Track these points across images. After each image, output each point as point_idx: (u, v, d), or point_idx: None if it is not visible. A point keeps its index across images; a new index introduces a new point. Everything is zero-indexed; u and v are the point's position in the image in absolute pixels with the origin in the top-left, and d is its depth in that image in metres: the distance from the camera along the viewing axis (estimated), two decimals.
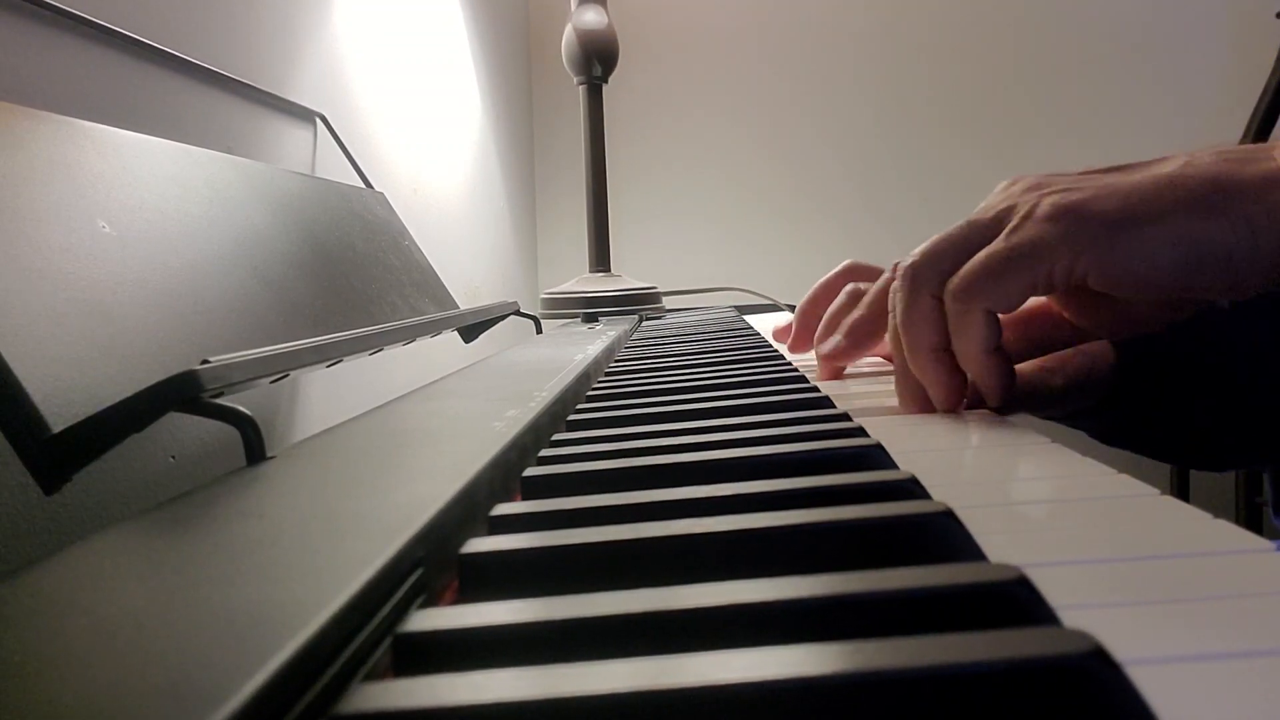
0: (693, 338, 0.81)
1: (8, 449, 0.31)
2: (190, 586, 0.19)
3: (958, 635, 0.16)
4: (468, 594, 0.22)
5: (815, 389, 0.44)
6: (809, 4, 1.82)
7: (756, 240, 1.83)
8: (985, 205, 0.43)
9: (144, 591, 0.19)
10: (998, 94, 1.79)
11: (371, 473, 0.29)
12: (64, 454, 0.31)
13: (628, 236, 1.74)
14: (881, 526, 0.22)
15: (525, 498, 0.30)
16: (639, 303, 1.18)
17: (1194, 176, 0.38)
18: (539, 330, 0.89)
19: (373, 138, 1.00)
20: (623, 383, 0.53)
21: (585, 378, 0.52)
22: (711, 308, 1.33)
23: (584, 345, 0.67)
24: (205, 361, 0.33)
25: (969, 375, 0.41)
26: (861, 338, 0.51)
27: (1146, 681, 0.15)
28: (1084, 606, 0.18)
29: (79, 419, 0.31)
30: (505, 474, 0.30)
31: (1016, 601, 0.18)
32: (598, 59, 1.24)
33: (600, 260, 1.27)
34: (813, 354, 0.58)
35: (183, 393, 0.31)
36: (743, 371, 0.53)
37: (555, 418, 0.41)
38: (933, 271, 0.41)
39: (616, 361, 0.67)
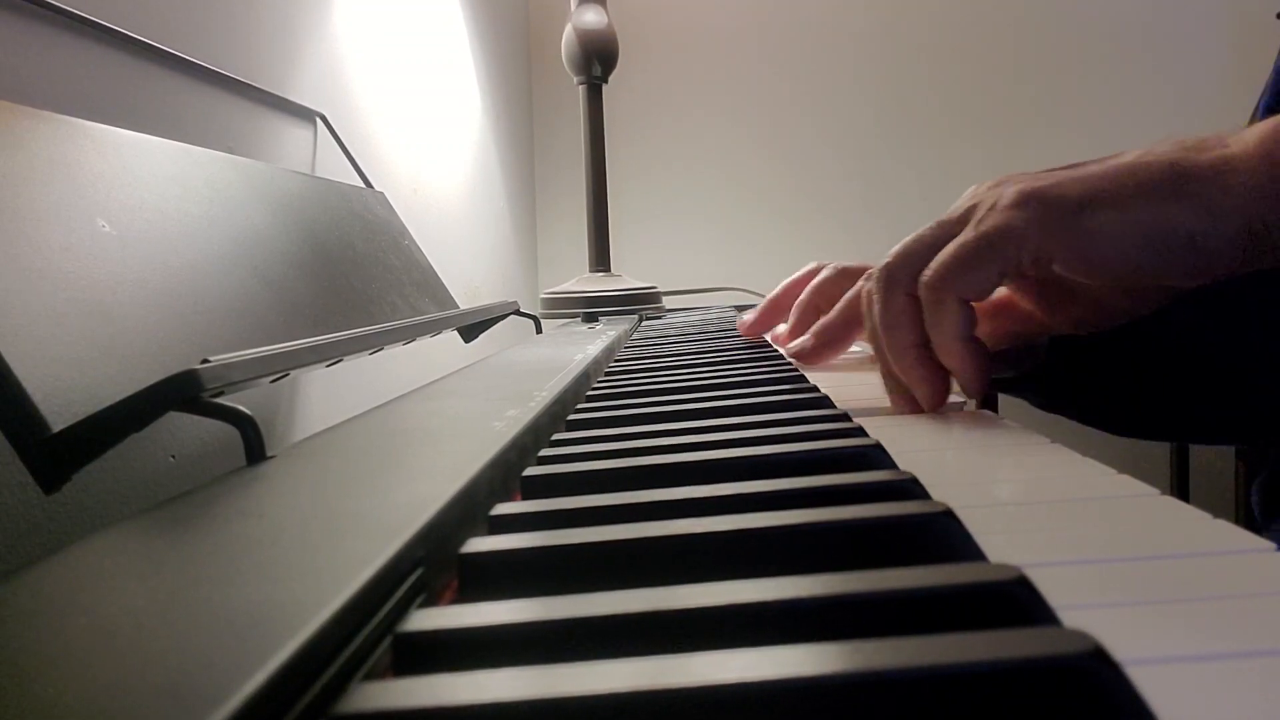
0: (692, 337, 0.81)
1: (8, 448, 0.31)
2: (190, 586, 0.19)
3: (957, 635, 0.16)
4: (467, 594, 0.22)
5: (815, 389, 0.44)
6: (809, 4, 1.82)
7: (756, 240, 1.82)
8: (954, 207, 0.44)
9: (144, 591, 0.19)
10: (997, 94, 1.79)
11: (371, 472, 0.29)
12: (64, 453, 0.31)
13: (628, 236, 1.74)
14: (881, 526, 0.22)
15: (525, 497, 0.30)
16: (639, 302, 1.18)
17: (1152, 164, 0.39)
18: (539, 330, 0.89)
19: (373, 138, 1.00)
20: (622, 382, 0.53)
21: (585, 378, 0.52)
22: (711, 307, 1.33)
23: (584, 345, 0.67)
24: (205, 361, 0.33)
25: (947, 366, 0.42)
26: (830, 340, 0.51)
27: (1146, 681, 0.15)
28: (1084, 606, 0.18)
29: (79, 418, 0.31)
30: (505, 474, 0.30)
31: (1016, 601, 0.18)
32: (598, 59, 1.24)
33: (600, 260, 1.27)
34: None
35: (183, 392, 0.31)
36: (742, 371, 0.53)
37: (555, 418, 0.41)
38: (906, 271, 0.42)
39: (616, 361, 0.67)
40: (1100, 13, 1.77)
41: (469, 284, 1.34)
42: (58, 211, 0.38)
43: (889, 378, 0.44)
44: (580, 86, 1.26)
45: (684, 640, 0.17)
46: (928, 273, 0.40)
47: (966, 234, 0.40)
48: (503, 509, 0.27)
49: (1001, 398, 0.63)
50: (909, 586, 0.18)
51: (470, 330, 0.78)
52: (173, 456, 0.51)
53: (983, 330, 0.46)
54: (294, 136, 0.80)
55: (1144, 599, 0.19)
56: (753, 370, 0.53)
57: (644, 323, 1.11)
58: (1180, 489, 1.55)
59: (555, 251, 1.85)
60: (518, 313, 0.85)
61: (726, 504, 0.25)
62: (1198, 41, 1.75)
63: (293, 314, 0.51)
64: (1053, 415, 0.61)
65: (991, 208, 0.40)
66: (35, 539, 0.44)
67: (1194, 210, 0.37)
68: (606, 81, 1.27)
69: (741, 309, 1.24)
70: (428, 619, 0.19)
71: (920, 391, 0.43)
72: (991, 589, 0.18)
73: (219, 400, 0.33)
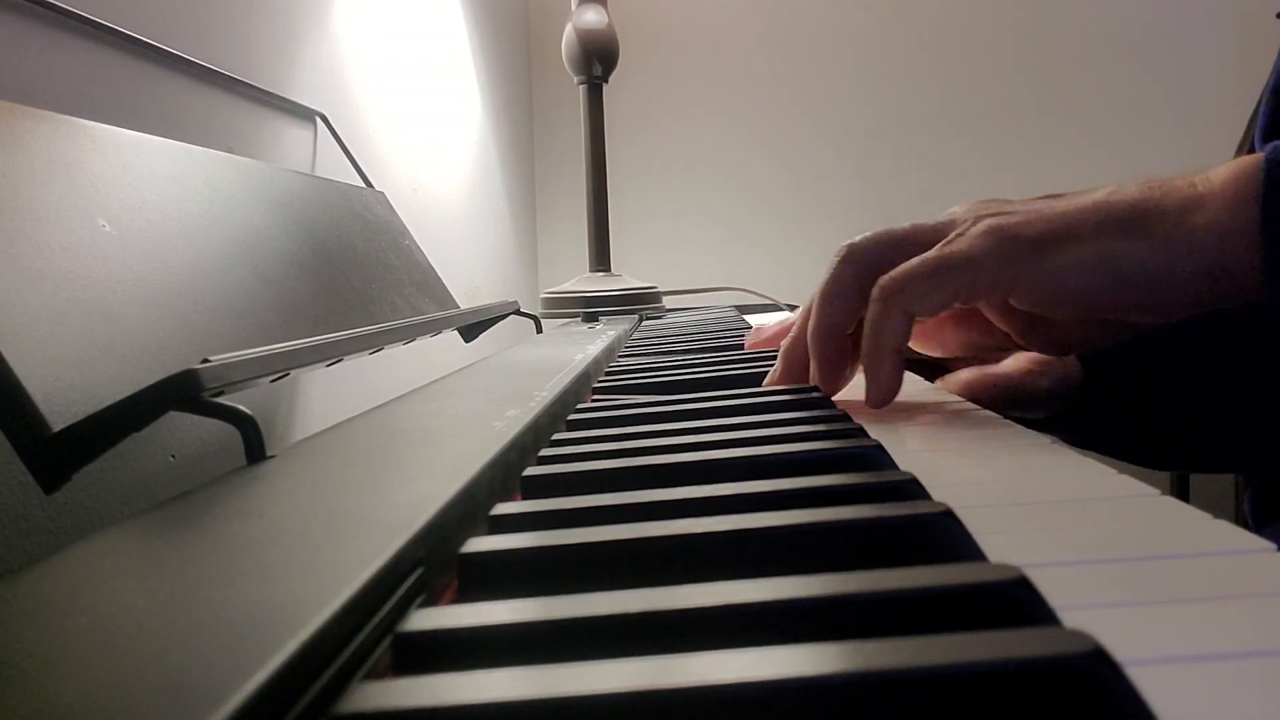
0: (692, 337, 0.81)
1: (8, 448, 0.31)
2: (190, 586, 0.19)
3: (958, 635, 0.16)
4: (467, 593, 0.22)
5: (815, 389, 0.44)
6: (809, 4, 1.82)
7: (756, 240, 1.82)
8: (938, 216, 0.44)
9: (144, 591, 0.19)
10: (998, 94, 1.79)
11: (371, 472, 0.29)
12: (64, 453, 0.31)
13: (628, 236, 1.74)
14: (881, 527, 0.22)
15: (525, 497, 0.30)
16: (639, 302, 1.18)
17: (1117, 202, 0.39)
18: (539, 330, 0.89)
19: (373, 137, 0.99)
20: (623, 382, 0.53)
21: (585, 377, 0.52)
22: (711, 307, 1.33)
23: (584, 345, 0.67)
24: (205, 361, 0.33)
25: (867, 370, 0.42)
26: (794, 361, 0.50)
27: (1146, 681, 0.15)
28: (1084, 607, 0.18)
29: (79, 418, 0.31)
30: (505, 473, 0.30)
31: (1016, 602, 0.18)
32: (598, 59, 1.24)
33: (600, 260, 1.27)
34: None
35: (183, 392, 0.31)
36: (742, 371, 0.53)
37: (555, 417, 0.41)
38: (867, 256, 0.43)
39: (616, 361, 0.67)
40: (1100, 13, 1.77)
41: (469, 284, 1.34)
42: (58, 211, 0.38)
43: (792, 348, 0.45)
44: (580, 86, 1.26)
45: (684, 640, 0.17)
46: (886, 279, 0.41)
47: (931, 253, 0.41)
48: (503, 509, 0.27)
49: None
50: (909, 587, 0.18)
51: (470, 330, 0.78)
52: (173, 456, 0.51)
53: (946, 337, 0.48)
54: (294, 136, 0.80)
55: (1144, 599, 0.19)
56: (753, 369, 0.53)
57: (644, 323, 1.11)
58: (1180, 489, 1.55)
59: (555, 251, 1.85)
60: (518, 312, 0.85)
61: (726, 504, 0.25)
62: (1198, 42, 1.75)
63: (293, 314, 0.51)
64: None
65: (960, 233, 0.41)
66: (35, 539, 0.44)
67: (1151, 248, 0.38)
68: (607, 81, 1.27)
69: (742, 309, 1.25)
70: (428, 619, 0.19)
71: (820, 371, 0.44)
72: (991, 589, 0.18)
73: (219, 400, 0.33)
